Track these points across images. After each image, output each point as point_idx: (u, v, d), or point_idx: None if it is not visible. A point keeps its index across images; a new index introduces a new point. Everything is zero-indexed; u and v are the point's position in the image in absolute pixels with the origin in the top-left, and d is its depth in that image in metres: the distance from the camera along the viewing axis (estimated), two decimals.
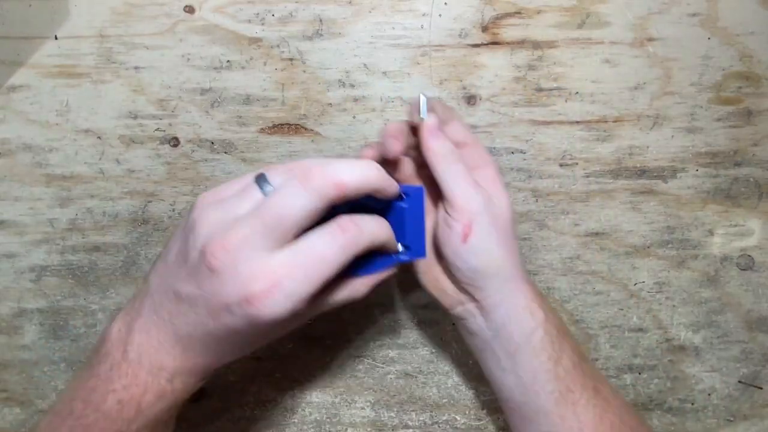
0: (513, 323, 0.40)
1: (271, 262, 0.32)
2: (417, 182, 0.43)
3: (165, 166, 0.51)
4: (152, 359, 0.35)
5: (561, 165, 0.51)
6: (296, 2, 0.50)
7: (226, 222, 0.32)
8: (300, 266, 0.32)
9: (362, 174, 0.33)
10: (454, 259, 0.40)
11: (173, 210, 0.51)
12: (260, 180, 0.34)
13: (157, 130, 0.51)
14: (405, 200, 0.39)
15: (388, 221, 0.37)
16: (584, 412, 0.39)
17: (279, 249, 0.32)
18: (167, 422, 0.38)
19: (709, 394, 0.52)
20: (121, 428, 0.34)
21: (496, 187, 0.41)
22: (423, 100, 0.40)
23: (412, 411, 0.51)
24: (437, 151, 0.39)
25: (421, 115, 0.40)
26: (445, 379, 0.51)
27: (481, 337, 0.42)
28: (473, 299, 0.41)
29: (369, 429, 0.51)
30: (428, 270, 0.43)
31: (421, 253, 0.39)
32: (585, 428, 0.39)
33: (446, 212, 0.40)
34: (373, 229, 0.35)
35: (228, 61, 0.50)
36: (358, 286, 0.37)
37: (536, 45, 0.51)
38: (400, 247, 0.38)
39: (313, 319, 0.51)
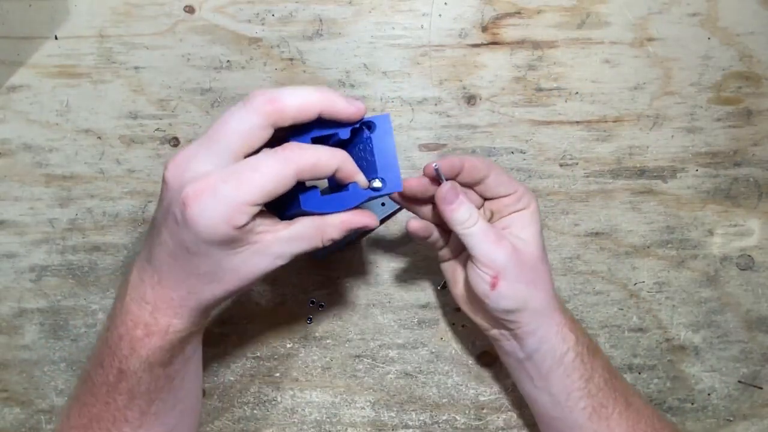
0: (545, 348, 0.41)
1: (210, 171, 0.32)
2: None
3: None
4: (138, 292, 0.37)
5: (561, 165, 0.51)
6: (296, 2, 0.50)
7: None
8: (235, 173, 0.32)
9: (303, 94, 0.33)
10: (485, 301, 0.41)
11: None
12: None
13: (157, 130, 0.51)
14: (371, 129, 0.37)
15: (357, 155, 0.36)
16: (617, 426, 0.41)
17: (223, 165, 0.33)
18: (164, 367, 0.38)
19: (708, 394, 0.52)
20: (121, 365, 0.37)
21: (522, 224, 0.42)
22: (436, 166, 0.40)
23: (412, 411, 0.51)
24: (455, 220, 0.40)
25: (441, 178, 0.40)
26: (445, 379, 0.51)
27: (515, 357, 0.43)
28: (506, 329, 0.42)
29: (369, 429, 0.51)
30: (464, 299, 0.45)
31: (397, 186, 0.38)
32: None
33: (474, 265, 0.40)
34: (321, 152, 0.34)
35: (228, 61, 0.50)
36: (328, 226, 0.36)
37: (536, 45, 0.51)
38: (376, 183, 0.37)
39: (310, 319, 0.51)
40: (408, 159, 0.51)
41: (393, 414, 0.51)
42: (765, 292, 0.52)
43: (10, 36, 0.50)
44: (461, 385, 0.51)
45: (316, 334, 0.51)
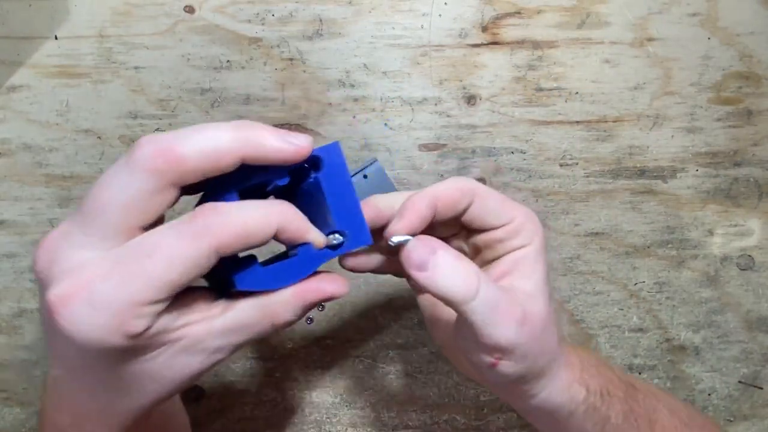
0: (553, 403, 0.36)
1: (86, 259, 0.24)
2: None
3: None
4: (52, 400, 0.28)
5: (561, 165, 0.51)
6: (296, 2, 0.50)
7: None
8: (120, 263, 0.23)
9: (209, 136, 0.24)
10: (481, 373, 0.33)
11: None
12: None
13: (157, 130, 0.51)
14: (318, 168, 0.28)
15: (305, 203, 0.28)
16: None
17: (106, 247, 0.24)
18: None
19: (709, 394, 0.51)
20: None
21: (524, 271, 0.32)
22: (395, 242, 0.29)
23: (412, 411, 0.51)
24: (441, 291, 0.28)
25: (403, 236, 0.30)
26: (445, 379, 0.51)
27: (524, 406, 0.37)
28: (503, 388, 0.36)
29: (369, 429, 0.51)
30: (447, 346, 0.36)
31: (364, 238, 0.29)
32: None
33: (470, 341, 0.31)
34: (249, 212, 0.25)
35: (228, 61, 0.50)
36: (278, 305, 0.28)
37: (536, 45, 0.51)
38: (333, 239, 0.28)
39: (310, 320, 0.51)
40: (408, 159, 0.51)
41: (393, 414, 0.51)
42: (765, 292, 0.52)
43: (10, 36, 0.50)
44: (461, 385, 0.51)
45: (316, 334, 0.51)
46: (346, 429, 0.51)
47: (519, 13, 0.51)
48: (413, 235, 0.29)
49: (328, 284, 0.28)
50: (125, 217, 0.24)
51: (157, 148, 0.24)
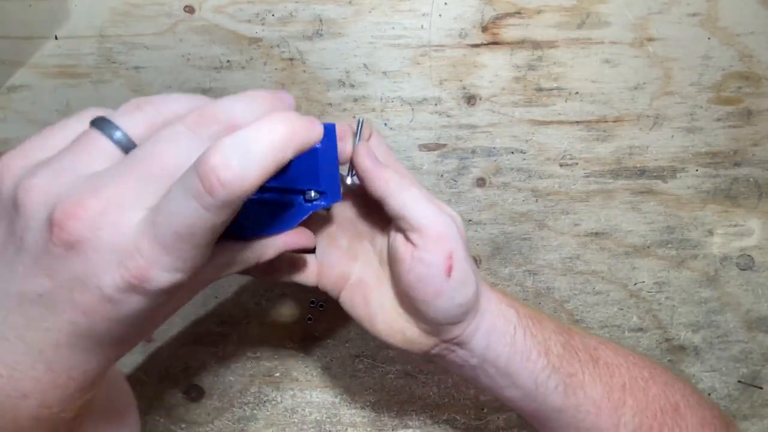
0: (494, 340, 0.37)
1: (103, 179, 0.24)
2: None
3: None
4: (8, 390, 0.25)
5: (561, 165, 0.51)
6: (296, 2, 0.50)
7: (72, 184, 0.24)
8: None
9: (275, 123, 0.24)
10: (435, 300, 0.34)
11: None
12: (102, 124, 0.26)
13: None
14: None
15: (299, 166, 0.31)
16: (593, 389, 0.37)
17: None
18: None
19: (709, 394, 0.52)
20: None
21: (434, 198, 0.36)
22: (360, 122, 0.36)
23: (412, 411, 0.51)
24: (389, 177, 0.34)
25: (357, 139, 0.36)
26: (445, 379, 0.51)
27: (469, 366, 0.38)
28: (448, 338, 0.36)
29: (369, 429, 0.51)
30: (390, 323, 0.37)
31: (336, 197, 0.35)
32: (601, 404, 0.37)
33: (413, 246, 0.34)
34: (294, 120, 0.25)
35: (228, 61, 0.50)
36: (266, 249, 0.32)
37: (536, 45, 0.51)
38: (313, 194, 0.34)
39: (310, 318, 0.51)
40: (408, 159, 0.51)
41: (393, 414, 0.51)
42: (765, 292, 0.52)
43: (10, 36, 0.50)
44: (461, 384, 0.51)
45: (316, 334, 0.51)
46: (346, 429, 0.51)
47: (519, 13, 0.51)
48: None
49: (305, 238, 0.34)
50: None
51: (229, 125, 0.25)
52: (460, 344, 0.37)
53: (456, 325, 0.36)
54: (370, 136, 0.38)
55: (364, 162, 0.34)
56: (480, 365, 0.37)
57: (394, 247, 0.35)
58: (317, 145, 0.32)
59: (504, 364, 0.37)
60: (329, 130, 0.34)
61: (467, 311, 0.35)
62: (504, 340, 0.37)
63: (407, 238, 0.34)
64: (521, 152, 0.51)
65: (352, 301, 0.38)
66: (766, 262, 0.52)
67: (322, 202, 0.34)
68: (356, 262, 0.38)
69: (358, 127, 0.36)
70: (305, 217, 0.34)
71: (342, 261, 0.38)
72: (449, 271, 0.33)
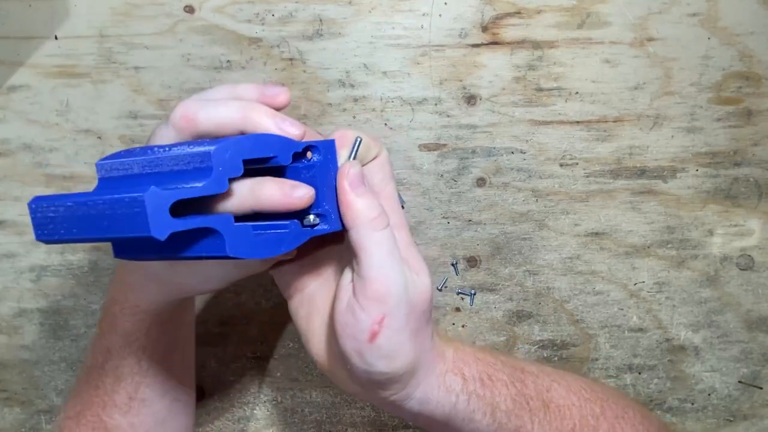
0: (429, 409, 0.35)
1: None
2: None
3: None
4: (118, 272, 0.39)
5: (561, 165, 0.51)
6: (296, 2, 0.50)
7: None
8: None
9: (220, 112, 0.32)
10: (353, 358, 0.32)
11: None
12: None
13: None
14: (314, 156, 0.32)
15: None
16: None
17: None
18: (144, 348, 0.39)
19: (709, 394, 0.52)
20: (106, 343, 0.38)
21: (414, 254, 0.34)
22: (357, 140, 0.34)
23: None
24: (359, 209, 0.31)
25: (346, 158, 0.34)
26: None
27: (404, 413, 0.36)
28: (372, 396, 0.35)
29: (369, 429, 0.51)
30: (323, 352, 0.36)
31: (337, 224, 0.32)
32: None
33: (353, 295, 0.31)
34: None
35: (228, 61, 0.50)
36: (254, 263, 0.35)
37: (536, 45, 0.51)
38: (312, 218, 0.32)
39: None
40: (408, 159, 0.51)
41: (393, 414, 0.51)
42: (765, 292, 0.52)
43: (10, 36, 0.50)
44: None
45: None
46: (346, 429, 0.51)
47: (519, 13, 0.51)
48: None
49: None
50: None
51: (182, 115, 0.32)
52: (386, 404, 0.35)
53: (379, 390, 0.33)
54: (374, 158, 0.35)
55: (341, 182, 0.32)
56: (416, 417, 0.36)
57: (341, 281, 0.33)
58: (314, 158, 0.32)
59: (442, 423, 0.35)
60: (328, 148, 0.32)
61: (391, 382, 0.33)
62: (441, 409, 0.35)
63: (353, 280, 0.32)
64: (521, 152, 0.51)
65: (297, 311, 0.37)
66: (766, 262, 0.52)
67: (321, 228, 0.32)
68: (317, 279, 0.37)
69: (354, 144, 0.34)
70: (300, 242, 0.32)
71: (305, 271, 0.37)
72: (373, 337, 0.31)
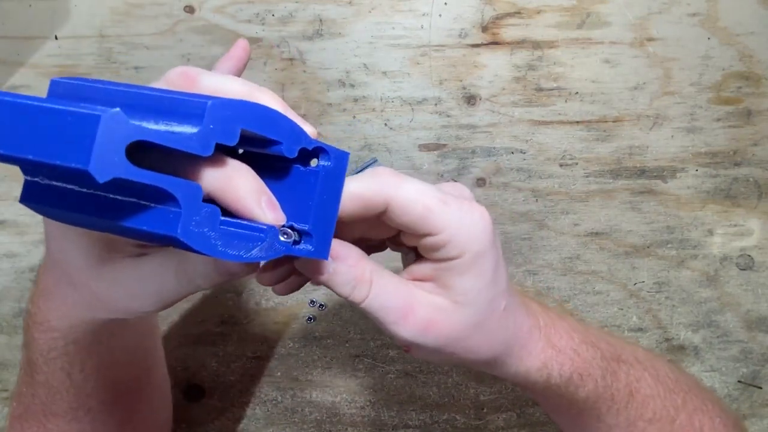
0: (528, 380, 0.34)
1: None
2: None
3: None
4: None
5: (561, 165, 0.51)
6: (296, 2, 0.50)
7: None
8: None
9: (225, 83, 0.26)
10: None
11: None
12: None
13: None
14: (321, 162, 0.27)
15: (288, 190, 0.27)
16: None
17: None
18: (64, 358, 0.33)
19: None
20: (30, 355, 0.33)
21: (453, 273, 0.30)
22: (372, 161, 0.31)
23: (412, 411, 0.51)
24: (337, 288, 0.29)
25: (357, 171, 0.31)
26: (445, 379, 0.51)
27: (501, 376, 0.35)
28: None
29: (369, 429, 0.51)
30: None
31: (323, 253, 0.27)
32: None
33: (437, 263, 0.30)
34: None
35: None
36: (231, 266, 0.28)
37: (536, 45, 0.51)
38: (291, 231, 0.26)
39: (313, 318, 0.51)
40: (408, 159, 0.51)
41: (393, 414, 0.51)
42: (765, 292, 0.52)
43: (10, 36, 0.50)
44: (461, 384, 0.51)
45: (316, 334, 0.51)
46: (346, 429, 0.51)
47: (519, 13, 0.51)
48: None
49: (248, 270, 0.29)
50: None
51: (183, 71, 0.27)
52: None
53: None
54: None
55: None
56: (510, 380, 0.35)
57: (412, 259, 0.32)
58: (320, 164, 0.26)
59: (542, 393, 0.36)
60: (340, 158, 0.27)
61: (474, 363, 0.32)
62: (536, 387, 0.34)
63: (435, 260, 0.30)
64: (521, 152, 0.51)
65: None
66: (766, 262, 0.52)
67: (301, 250, 0.26)
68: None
69: (366, 163, 0.32)
70: (274, 257, 0.25)
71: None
72: (407, 352, 0.31)
